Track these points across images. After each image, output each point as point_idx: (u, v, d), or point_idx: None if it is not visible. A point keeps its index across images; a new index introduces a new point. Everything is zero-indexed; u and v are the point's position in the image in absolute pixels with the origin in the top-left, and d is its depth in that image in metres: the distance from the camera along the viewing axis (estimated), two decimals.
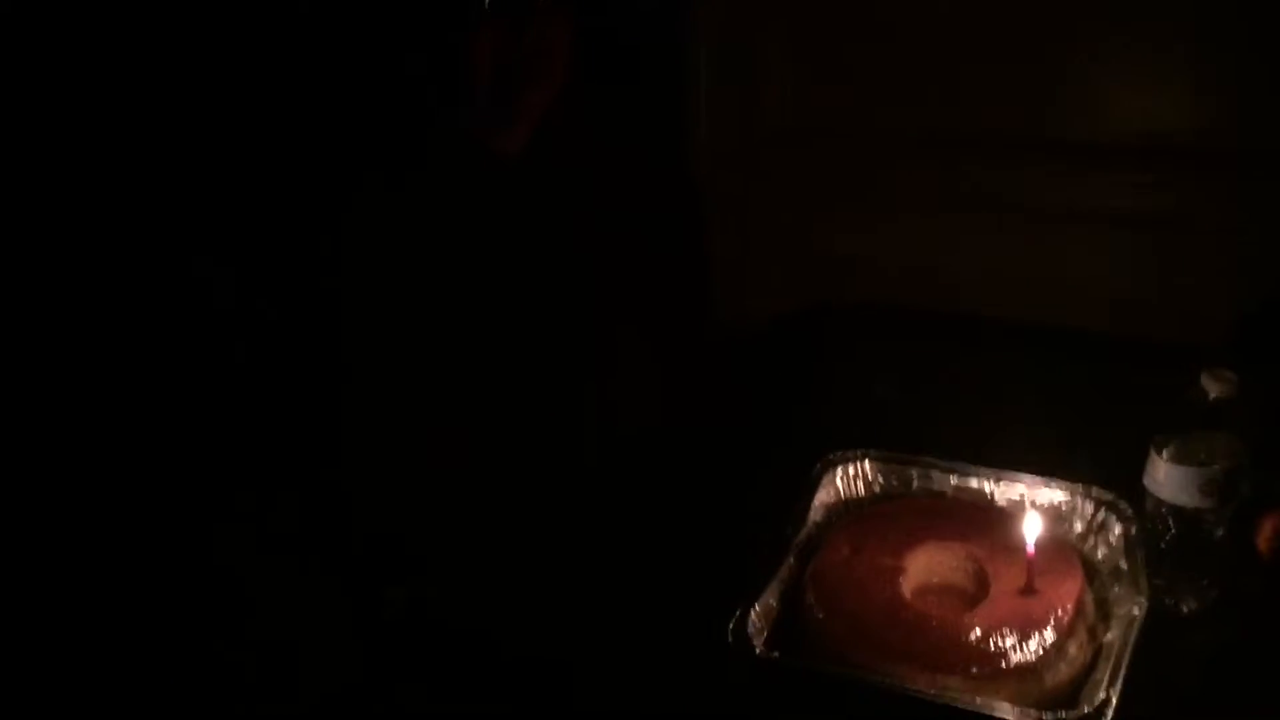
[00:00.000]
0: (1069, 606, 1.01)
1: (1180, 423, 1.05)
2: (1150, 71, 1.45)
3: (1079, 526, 1.12)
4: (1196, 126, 1.43)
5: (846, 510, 1.17)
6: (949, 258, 1.58)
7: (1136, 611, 1.00)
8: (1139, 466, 1.09)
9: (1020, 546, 1.06)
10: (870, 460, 1.20)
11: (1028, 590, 1.03)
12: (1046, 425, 1.27)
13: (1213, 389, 1.03)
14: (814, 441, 1.24)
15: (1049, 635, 0.98)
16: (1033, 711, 0.92)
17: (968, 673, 0.96)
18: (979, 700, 0.93)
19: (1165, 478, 1.05)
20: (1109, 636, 1.00)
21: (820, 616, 1.03)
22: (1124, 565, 1.06)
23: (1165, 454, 1.05)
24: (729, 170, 1.59)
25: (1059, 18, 1.44)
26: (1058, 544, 1.08)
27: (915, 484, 1.18)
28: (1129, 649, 0.97)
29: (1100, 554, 1.09)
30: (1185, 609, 1.06)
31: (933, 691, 0.95)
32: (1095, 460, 1.17)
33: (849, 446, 1.21)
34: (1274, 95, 1.39)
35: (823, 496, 1.17)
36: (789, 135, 1.59)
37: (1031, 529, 1.04)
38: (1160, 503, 1.07)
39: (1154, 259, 1.50)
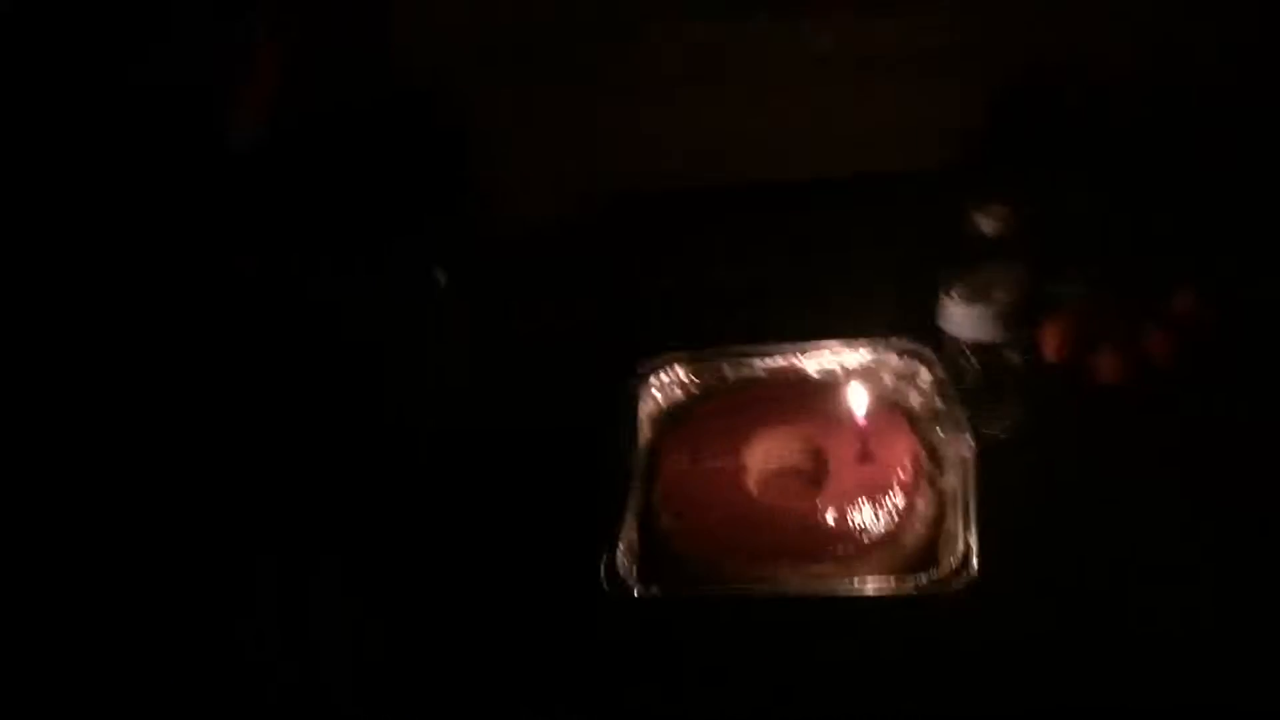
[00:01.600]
0: (907, 464, 1.05)
1: (962, 260, 1.10)
2: None
3: (889, 380, 1.16)
4: None
5: (671, 418, 1.18)
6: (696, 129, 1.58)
7: (966, 452, 1.05)
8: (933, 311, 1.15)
9: (847, 417, 1.10)
10: (680, 363, 1.20)
11: (864, 458, 1.06)
12: (838, 284, 1.31)
13: (987, 225, 1.07)
14: (618, 350, 1.24)
15: (898, 498, 1.02)
16: (909, 578, 0.96)
17: (835, 556, 0.99)
18: (855, 583, 0.97)
19: (958, 317, 1.10)
20: (949, 482, 1.05)
21: (679, 538, 1.04)
22: (941, 408, 1.11)
23: (954, 294, 1.09)
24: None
25: None
26: (878, 403, 1.12)
27: (730, 375, 1.20)
28: (972, 490, 1.02)
29: (916, 402, 1.14)
30: (1002, 436, 1.13)
31: (809, 585, 0.98)
32: (895, 310, 1.22)
33: (652, 351, 1.22)
34: None
35: (645, 409, 1.17)
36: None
37: (858, 398, 1.07)
38: (957, 341, 1.12)
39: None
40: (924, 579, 0.96)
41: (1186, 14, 1.37)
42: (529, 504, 1.12)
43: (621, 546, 1.02)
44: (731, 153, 1.54)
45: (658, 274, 1.39)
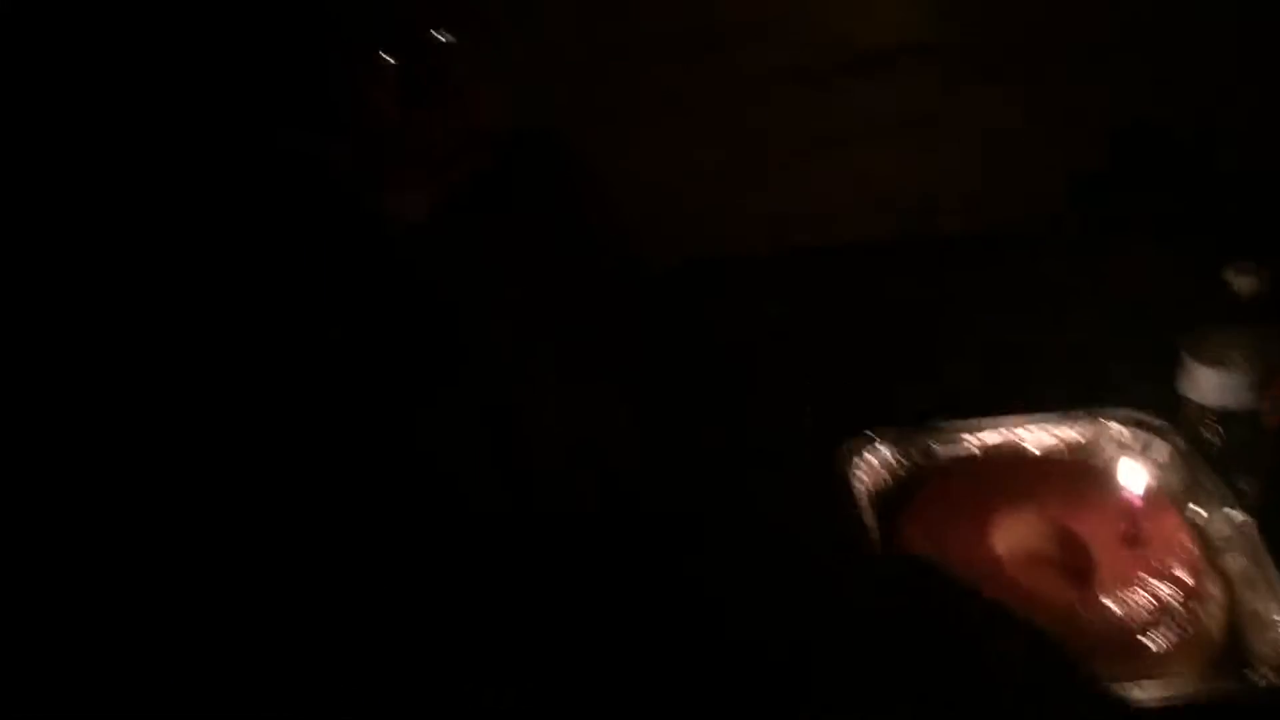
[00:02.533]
0: (1185, 543, 0.97)
1: (1207, 322, 1.03)
2: None
3: (1117, 455, 1.08)
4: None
5: (886, 504, 1.07)
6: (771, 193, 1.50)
7: (1238, 518, 0.97)
8: (1114, 373, 1.09)
9: (1111, 495, 1.01)
10: (884, 442, 1.10)
11: (1134, 541, 0.98)
12: (1002, 350, 1.24)
13: (1241, 284, 1.01)
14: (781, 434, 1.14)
15: (1187, 582, 0.94)
16: (1249, 674, 0.87)
17: (1142, 654, 0.89)
18: (1180, 684, 0.88)
19: (1208, 383, 1.03)
20: (1233, 561, 0.96)
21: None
22: (1186, 481, 1.03)
23: (1206, 359, 1.02)
24: None
25: None
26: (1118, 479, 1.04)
27: (941, 454, 1.11)
28: (1269, 565, 0.93)
29: (1153, 478, 1.06)
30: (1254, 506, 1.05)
31: (1127, 688, 0.88)
32: (1071, 378, 1.15)
33: (838, 428, 1.12)
34: None
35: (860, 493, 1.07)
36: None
37: (1133, 476, 0.98)
38: (1202, 409, 1.05)
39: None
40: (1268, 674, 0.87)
41: None
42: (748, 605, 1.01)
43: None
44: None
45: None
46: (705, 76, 1.40)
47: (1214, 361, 1.02)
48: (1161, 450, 1.06)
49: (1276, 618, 0.90)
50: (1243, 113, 1.41)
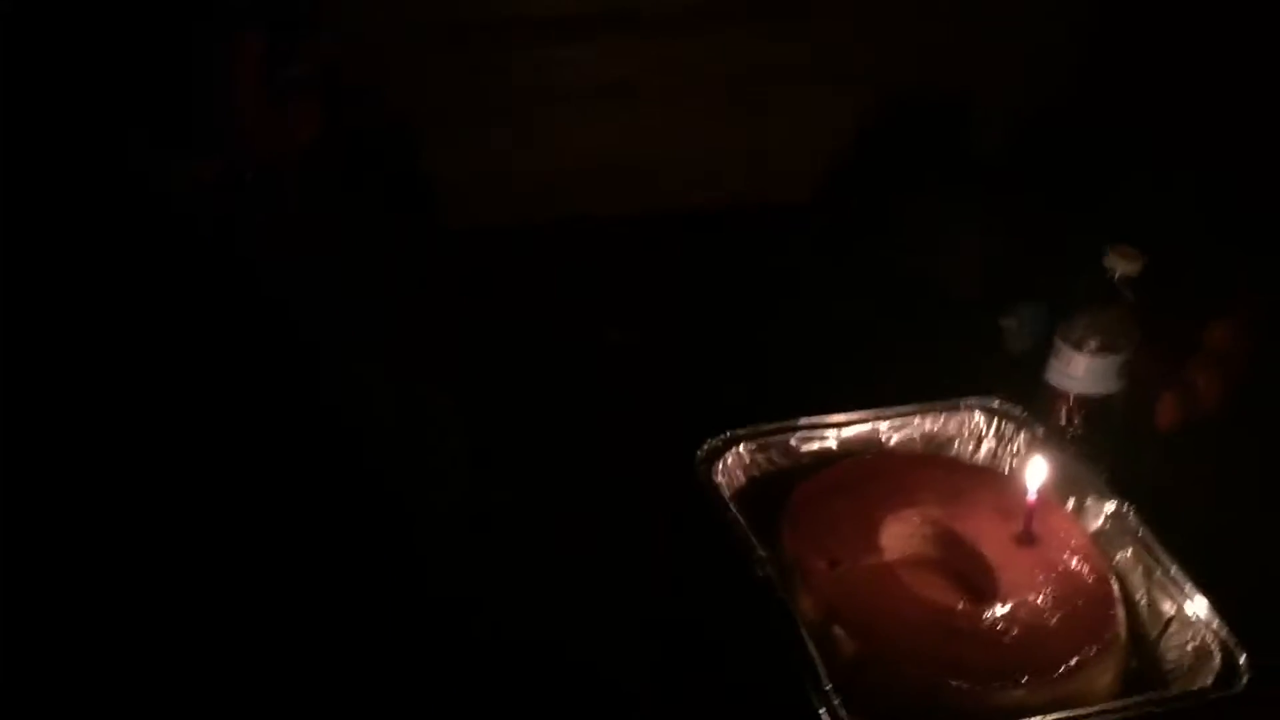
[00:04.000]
0: (1078, 539, 0.92)
1: (1078, 307, 0.99)
2: None
3: (976, 446, 1.03)
4: None
5: (747, 509, 0.96)
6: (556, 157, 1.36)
7: (1111, 507, 0.94)
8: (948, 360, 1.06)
9: (962, 487, 0.95)
10: (745, 441, 0.99)
11: (1026, 540, 0.92)
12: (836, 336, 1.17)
13: (1121, 266, 0.97)
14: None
15: (1089, 580, 0.88)
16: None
17: (1070, 664, 0.83)
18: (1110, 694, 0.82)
19: (1086, 370, 0.99)
20: (1120, 555, 0.92)
21: (874, 666, 0.83)
22: (1055, 468, 0.98)
23: (1085, 346, 0.98)
24: None
25: None
26: (991, 474, 0.99)
27: (800, 449, 1.01)
28: (1164, 555, 0.90)
29: (1018, 469, 1.01)
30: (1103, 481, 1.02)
31: (1062, 702, 0.81)
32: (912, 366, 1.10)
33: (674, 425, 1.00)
34: None
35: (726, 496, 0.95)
36: None
37: (1036, 473, 0.92)
38: (1064, 396, 1.01)
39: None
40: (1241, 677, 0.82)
41: None
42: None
43: (828, 686, 0.80)
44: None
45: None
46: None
47: (1093, 350, 0.98)
48: (1018, 437, 1.01)
49: (1188, 612, 0.86)
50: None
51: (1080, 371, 0.98)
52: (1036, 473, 0.91)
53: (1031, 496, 0.91)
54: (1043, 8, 1.37)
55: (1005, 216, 1.23)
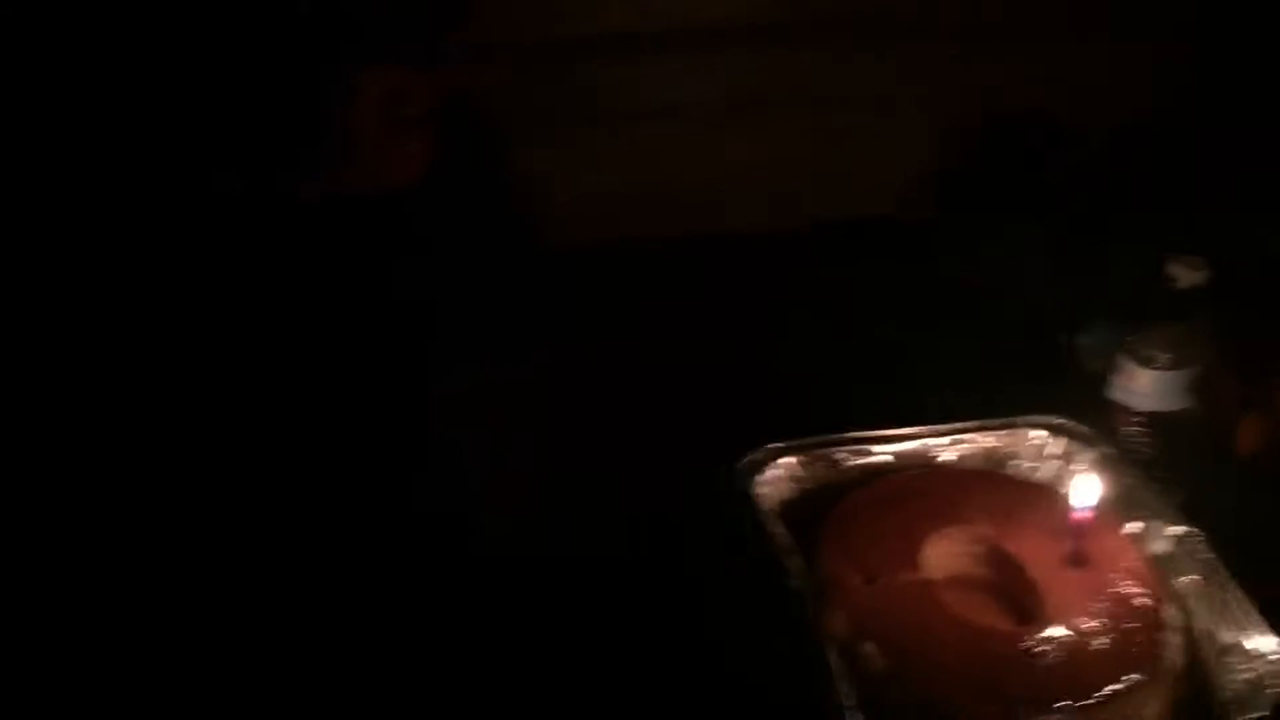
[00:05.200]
0: (1134, 562, 0.87)
1: (1145, 320, 0.95)
2: None
3: (1038, 464, 0.98)
4: None
5: (790, 522, 0.94)
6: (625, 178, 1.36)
7: (1180, 531, 0.88)
8: (1018, 371, 1.03)
9: (1015, 506, 0.91)
10: (790, 454, 0.97)
11: (1078, 561, 0.87)
12: (895, 354, 1.14)
13: (1185, 278, 0.92)
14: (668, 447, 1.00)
15: (1145, 605, 0.83)
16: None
17: (1109, 691, 0.78)
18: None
19: (1151, 385, 0.94)
20: (1183, 581, 0.87)
21: (900, 684, 0.79)
22: (1119, 493, 0.93)
23: (1148, 360, 0.93)
24: None
25: None
26: (1048, 492, 0.94)
27: (849, 464, 0.98)
28: (1230, 583, 0.84)
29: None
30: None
31: None
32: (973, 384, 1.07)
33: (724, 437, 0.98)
34: None
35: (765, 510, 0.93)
36: None
37: (1086, 491, 0.87)
38: (1133, 414, 0.96)
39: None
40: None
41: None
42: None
43: (849, 704, 0.77)
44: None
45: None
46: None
47: (1157, 364, 0.93)
48: (1084, 456, 0.96)
49: (1248, 645, 0.80)
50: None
51: (1146, 387, 0.93)
52: (1087, 490, 0.86)
53: (1080, 514, 0.86)
54: (1126, 28, 1.32)
55: (1080, 233, 1.18)
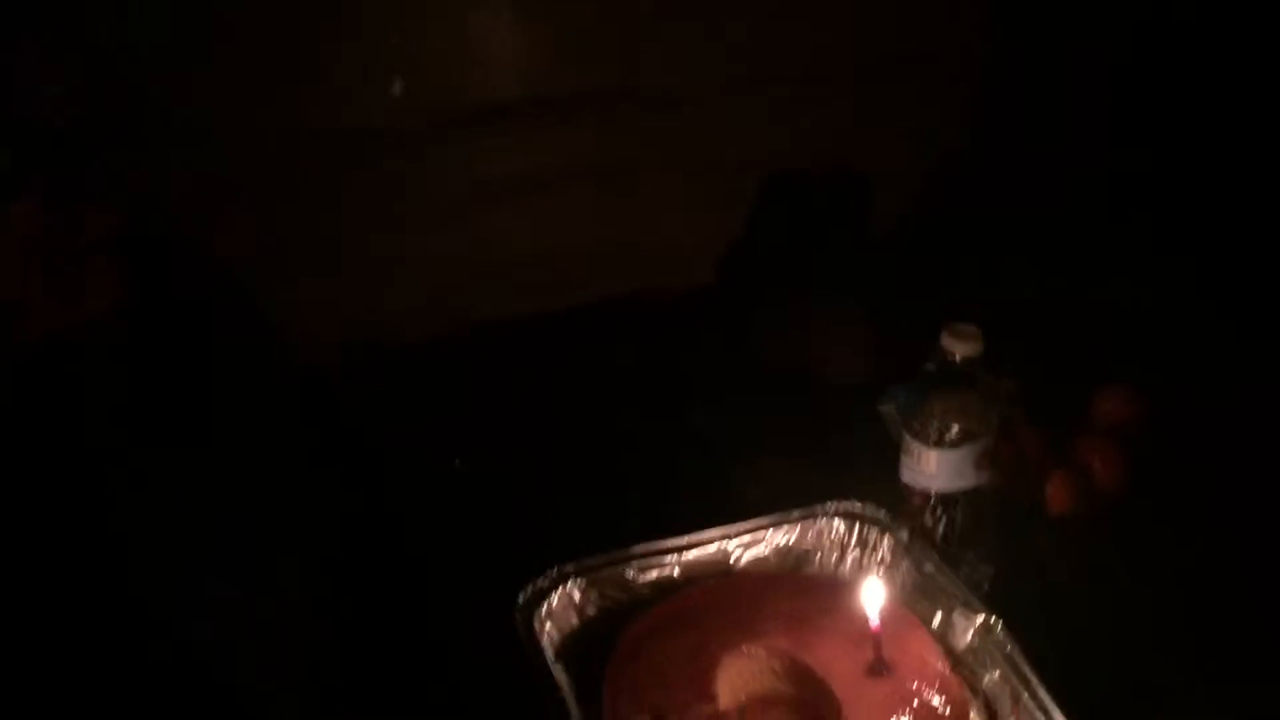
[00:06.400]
0: (935, 664, 0.81)
1: (921, 395, 0.89)
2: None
3: (840, 557, 0.93)
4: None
5: (578, 654, 0.86)
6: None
7: (979, 620, 0.83)
8: (816, 456, 0.98)
9: (814, 612, 0.85)
10: (576, 576, 0.90)
11: (878, 669, 0.81)
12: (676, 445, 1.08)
13: (960, 349, 0.87)
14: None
15: (944, 709, 0.78)
16: None
17: None
18: None
19: (938, 465, 0.89)
20: (986, 677, 0.82)
21: None
22: (917, 582, 0.88)
23: (929, 440, 0.88)
24: None
25: None
26: (845, 592, 0.88)
27: (638, 581, 0.91)
28: (1030, 675, 0.79)
29: (885, 576, 0.90)
30: (986, 585, 0.92)
31: None
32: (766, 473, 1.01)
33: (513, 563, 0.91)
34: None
35: (548, 649, 0.85)
36: None
37: (872, 598, 0.81)
38: (925, 494, 0.91)
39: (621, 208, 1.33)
40: None
41: None
42: None
43: None
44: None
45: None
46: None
47: (941, 444, 0.88)
48: (882, 542, 0.91)
49: None
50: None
51: (933, 467, 0.88)
52: (874, 597, 0.81)
53: (874, 623, 0.81)
54: (931, 92, 1.29)
55: (886, 299, 1.14)
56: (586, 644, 0.87)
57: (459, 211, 1.24)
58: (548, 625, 0.87)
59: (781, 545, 0.93)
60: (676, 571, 0.91)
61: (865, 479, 0.95)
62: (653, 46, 1.22)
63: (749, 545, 0.92)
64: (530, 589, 0.88)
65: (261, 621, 0.85)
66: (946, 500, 0.90)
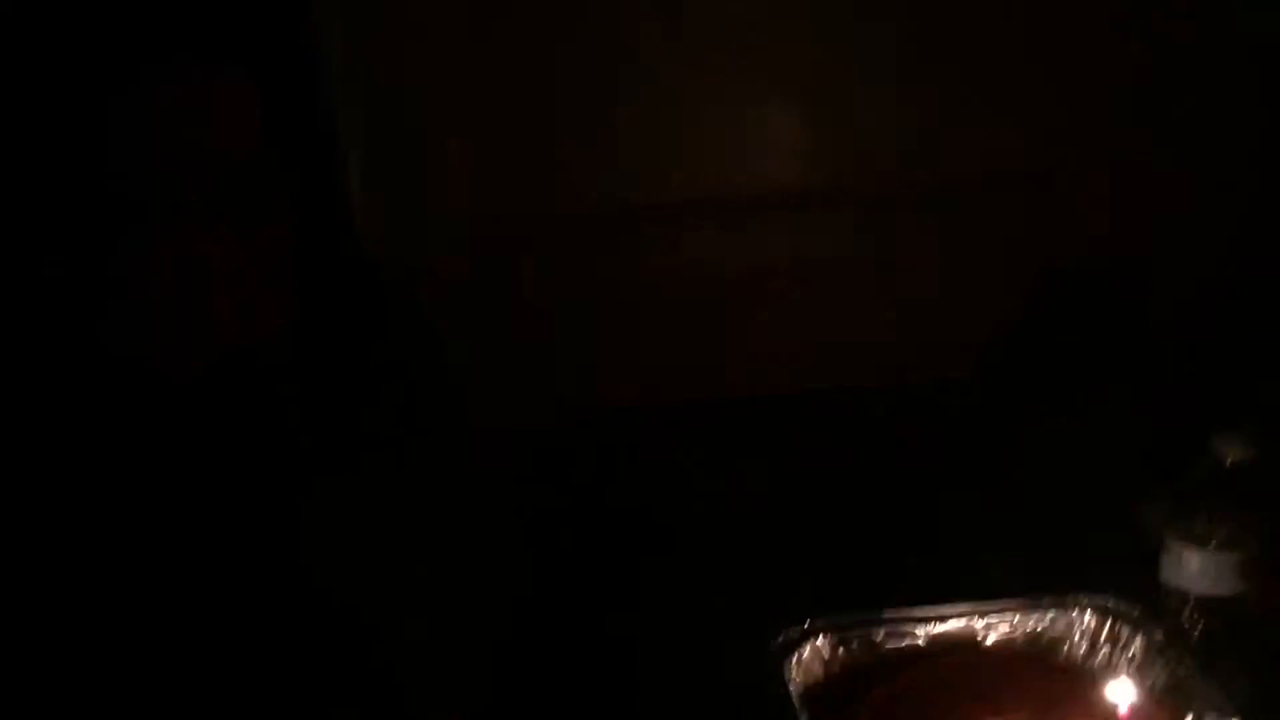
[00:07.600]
0: None
1: (1189, 500, 0.90)
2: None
3: (1090, 650, 0.93)
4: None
5: (819, 710, 0.90)
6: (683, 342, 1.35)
7: None
8: (1076, 546, 0.97)
9: (1058, 695, 0.86)
10: (826, 631, 0.94)
11: None
12: (942, 521, 1.10)
13: (1231, 452, 0.88)
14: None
15: None
16: None
17: None
18: None
19: (1200, 568, 0.89)
20: None
21: None
22: (1168, 683, 0.88)
23: (1194, 542, 0.89)
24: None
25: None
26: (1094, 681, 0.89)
27: (885, 646, 0.95)
28: None
29: (1135, 674, 0.91)
30: (1241, 698, 0.91)
31: None
32: (1027, 557, 1.02)
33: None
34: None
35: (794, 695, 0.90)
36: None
37: (1123, 694, 0.83)
38: (1185, 596, 0.91)
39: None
40: None
41: None
42: None
43: None
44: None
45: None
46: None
47: (1215, 546, 0.88)
48: (1134, 641, 0.91)
49: None
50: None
51: (1195, 569, 0.89)
52: (1125, 693, 0.82)
53: (1125, 714, 0.82)
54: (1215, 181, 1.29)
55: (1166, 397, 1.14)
56: (830, 698, 0.91)
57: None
58: (795, 674, 0.91)
59: (1030, 629, 0.94)
60: (922, 641, 0.94)
61: (1119, 574, 0.96)
62: (951, 133, 1.26)
63: (996, 625, 0.95)
64: (783, 636, 0.93)
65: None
66: (1205, 605, 0.90)
